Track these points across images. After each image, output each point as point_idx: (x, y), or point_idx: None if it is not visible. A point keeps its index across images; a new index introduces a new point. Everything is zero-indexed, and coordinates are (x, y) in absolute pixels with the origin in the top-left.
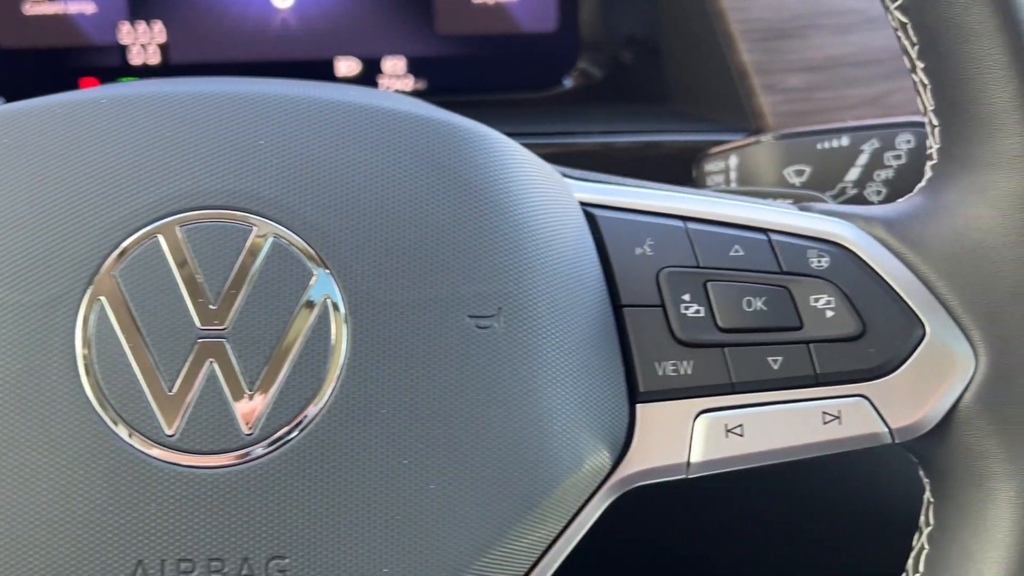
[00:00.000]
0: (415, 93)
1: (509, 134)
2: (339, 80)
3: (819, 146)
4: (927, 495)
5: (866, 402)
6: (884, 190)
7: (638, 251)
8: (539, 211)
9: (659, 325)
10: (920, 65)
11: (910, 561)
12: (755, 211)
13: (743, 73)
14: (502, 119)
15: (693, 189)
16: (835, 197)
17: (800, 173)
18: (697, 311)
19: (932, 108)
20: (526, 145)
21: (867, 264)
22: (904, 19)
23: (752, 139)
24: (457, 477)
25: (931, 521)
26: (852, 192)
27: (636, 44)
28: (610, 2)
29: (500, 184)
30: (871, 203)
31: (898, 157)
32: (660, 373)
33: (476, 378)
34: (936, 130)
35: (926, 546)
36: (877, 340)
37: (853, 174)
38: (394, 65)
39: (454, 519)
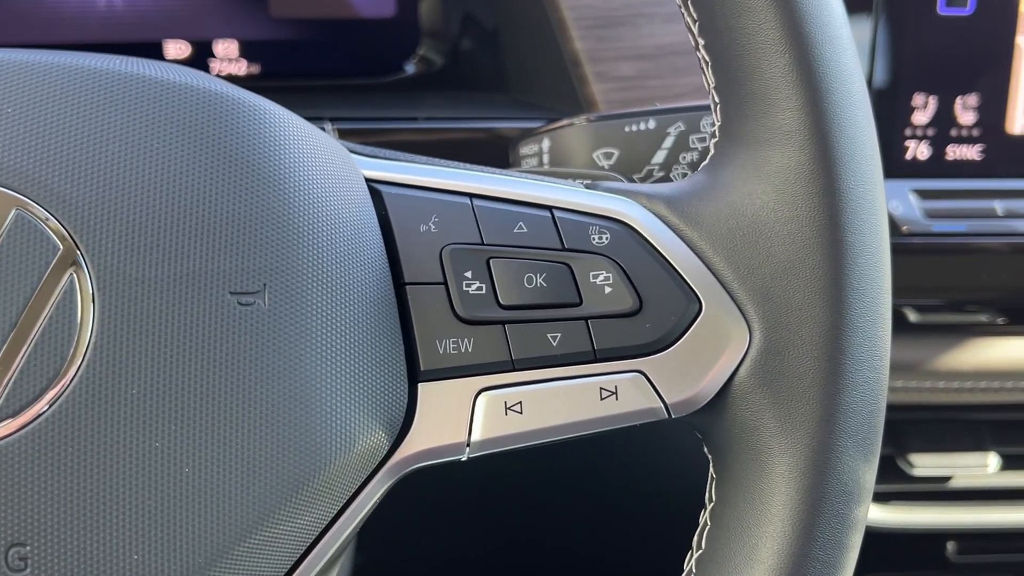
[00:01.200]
0: (249, 77)
1: (348, 119)
2: None
3: (627, 129)
4: (711, 471)
5: (643, 377)
6: (689, 172)
7: (423, 228)
8: (315, 185)
9: (441, 303)
10: (701, 42)
11: (695, 538)
12: (541, 189)
13: (576, 61)
14: (341, 104)
15: (484, 167)
16: (642, 180)
17: (609, 156)
18: (479, 288)
19: (713, 85)
20: (365, 130)
21: (646, 241)
22: None
23: (566, 122)
24: (214, 460)
25: (713, 497)
26: (659, 175)
27: (475, 31)
28: None
29: (270, 156)
30: None
31: (703, 139)
32: (441, 351)
33: (236, 357)
34: (718, 107)
35: (709, 522)
36: (653, 316)
37: (660, 156)
38: (226, 48)
39: (211, 503)
